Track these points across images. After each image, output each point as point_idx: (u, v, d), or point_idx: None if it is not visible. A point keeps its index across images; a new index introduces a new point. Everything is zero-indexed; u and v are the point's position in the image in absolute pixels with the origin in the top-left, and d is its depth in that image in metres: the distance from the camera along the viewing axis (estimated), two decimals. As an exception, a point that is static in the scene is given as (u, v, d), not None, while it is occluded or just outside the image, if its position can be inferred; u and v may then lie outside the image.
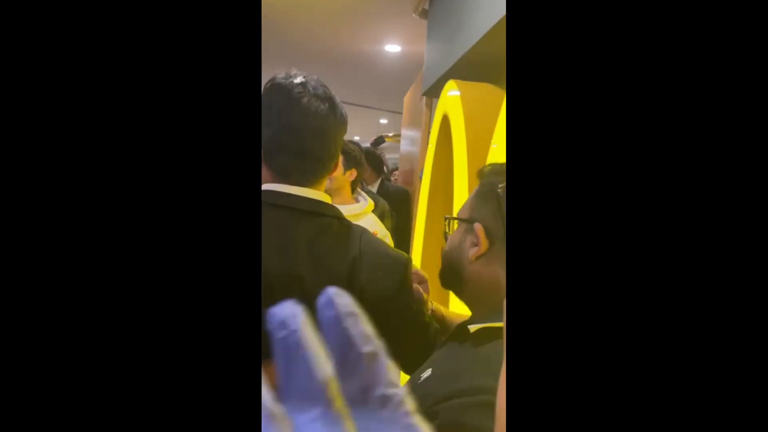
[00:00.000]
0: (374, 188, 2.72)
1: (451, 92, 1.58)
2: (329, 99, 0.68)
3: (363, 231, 0.71)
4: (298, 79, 0.67)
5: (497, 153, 1.13)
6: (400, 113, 3.99)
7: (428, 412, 0.48)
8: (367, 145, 3.35)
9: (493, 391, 0.45)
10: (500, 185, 0.63)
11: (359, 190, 1.75)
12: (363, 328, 0.19)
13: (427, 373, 0.58)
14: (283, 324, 0.20)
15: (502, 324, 0.44)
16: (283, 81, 0.67)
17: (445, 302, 1.30)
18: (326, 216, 0.69)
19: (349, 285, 0.65)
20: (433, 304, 0.83)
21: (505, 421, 0.34)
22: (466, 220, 0.66)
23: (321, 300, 0.20)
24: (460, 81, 1.57)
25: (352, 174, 1.65)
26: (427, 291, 0.80)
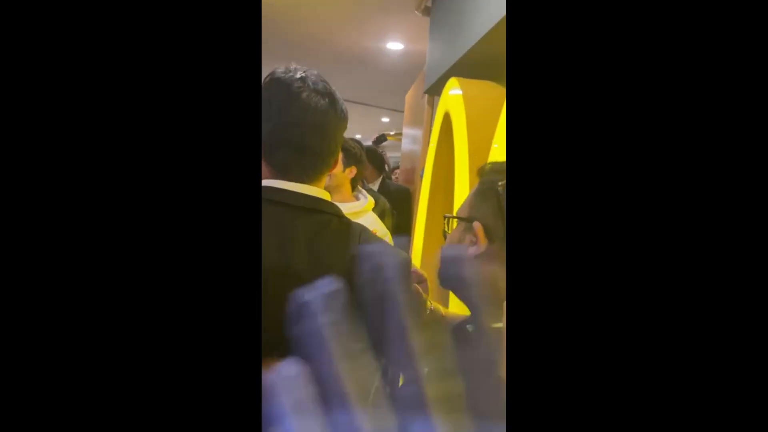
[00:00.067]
0: (375, 186, 2.71)
1: (453, 90, 1.57)
2: (329, 94, 0.67)
3: (363, 229, 0.70)
4: (298, 74, 0.66)
5: (498, 152, 1.12)
6: (402, 111, 3.99)
7: None
8: (368, 143, 3.34)
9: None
10: (500, 183, 0.62)
11: (360, 188, 1.74)
12: None
13: (425, 372, 0.58)
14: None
15: (501, 324, 0.43)
16: (282, 75, 0.66)
17: (445, 302, 1.30)
18: (325, 213, 0.68)
19: (348, 283, 0.64)
20: (432, 304, 0.82)
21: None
22: (466, 219, 0.65)
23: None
24: (462, 78, 1.56)
25: (352, 171, 1.64)
26: (426, 291, 0.80)
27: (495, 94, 1.45)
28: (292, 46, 4.04)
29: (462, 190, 1.34)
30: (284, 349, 0.61)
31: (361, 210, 1.60)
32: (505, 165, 0.65)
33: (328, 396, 0.30)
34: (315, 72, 0.68)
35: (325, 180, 0.72)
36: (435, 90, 2.40)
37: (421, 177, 2.11)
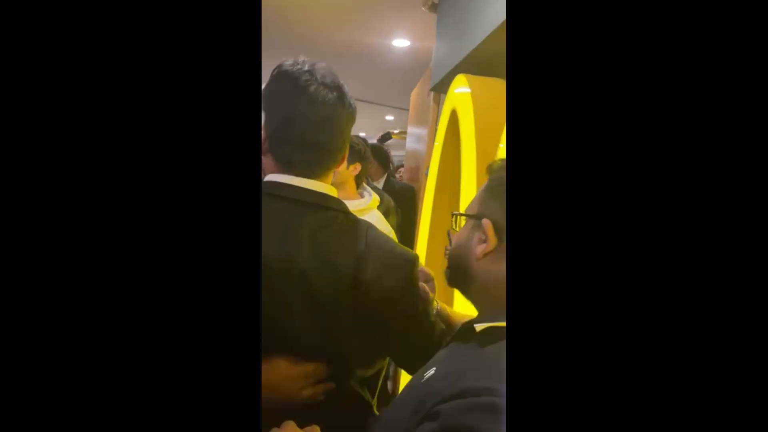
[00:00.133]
0: (380, 184, 2.70)
1: (460, 87, 1.55)
2: (338, 88, 0.65)
3: (369, 226, 0.69)
4: (306, 67, 0.64)
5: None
6: (406, 110, 3.97)
7: (430, 411, 0.46)
8: (372, 141, 3.32)
9: (498, 393, 0.43)
10: None
11: (365, 185, 1.73)
12: None
13: (431, 372, 0.56)
14: None
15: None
16: (290, 68, 0.64)
17: (449, 301, 1.28)
18: (331, 209, 0.66)
19: (354, 281, 0.62)
20: (439, 303, 0.80)
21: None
22: (474, 216, 0.64)
23: None
24: (469, 76, 1.54)
25: (356, 168, 1.62)
26: (433, 290, 0.78)
27: (503, 92, 1.43)
28: (297, 42, 4.02)
29: (468, 189, 1.32)
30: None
31: (366, 207, 1.58)
32: None
33: None
34: (323, 65, 0.66)
35: (332, 176, 0.71)
36: (441, 87, 2.38)
37: (426, 175, 2.09)
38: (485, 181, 0.67)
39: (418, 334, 0.70)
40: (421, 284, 0.73)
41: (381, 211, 1.73)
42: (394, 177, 3.42)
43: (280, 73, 0.65)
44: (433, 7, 2.64)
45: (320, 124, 0.64)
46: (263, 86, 0.66)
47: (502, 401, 0.41)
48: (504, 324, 0.56)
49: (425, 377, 0.56)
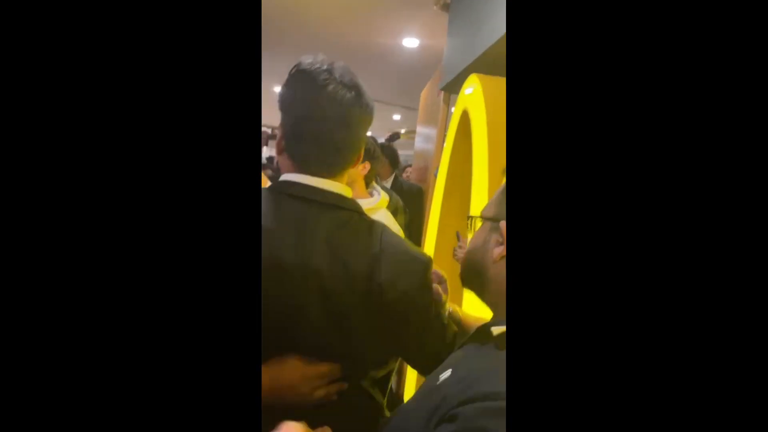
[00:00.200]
0: (388, 184, 2.70)
1: (473, 88, 1.54)
2: (355, 87, 0.65)
3: (384, 227, 0.68)
4: (325, 66, 0.63)
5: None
6: (414, 109, 3.96)
7: (447, 414, 0.46)
8: (381, 140, 3.32)
9: None
10: None
11: (374, 184, 1.72)
12: None
13: (447, 374, 0.56)
14: None
15: None
16: (308, 67, 0.63)
17: (459, 302, 1.27)
18: (346, 210, 0.66)
19: (368, 282, 0.62)
20: (451, 305, 0.80)
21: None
22: (492, 218, 0.63)
23: None
24: (482, 75, 1.53)
25: (366, 167, 1.62)
26: (446, 291, 0.78)
27: (516, 93, 1.42)
28: (306, 39, 4.02)
29: (480, 190, 1.31)
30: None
31: (375, 206, 1.57)
32: None
33: None
34: (342, 64, 0.65)
35: (346, 176, 0.70)
36: (452, 87, 2.37)
37: (435, 176, 2.09)
38: (498, 182, 0.67)
39: (431, 335, 0.69)
40: (435, 286, 0.72)
41: (390, 210, 1.72)
42: (402, 176, 3.41)
43: (298, 72, 0.64)
44: (445, 7, 2.63)
45: (337, 124, 0.63)
46: (281, 86, 0.66)
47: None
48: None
49: (440, 380, 0.55)
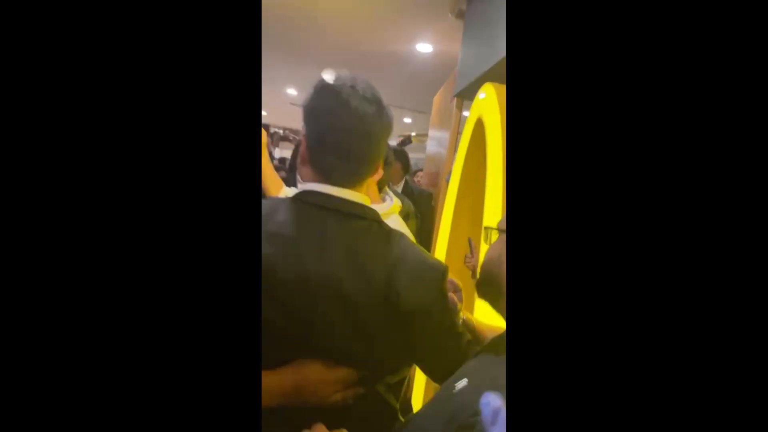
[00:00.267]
0: (399, 188, 2.71)
1: (487, 95, 1.55)
2: (377, 102, 0.67)
3: (402, 236, 0.70)
4: (348, 82, 0.66)
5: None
6: (424, 112, 3.96)
7: (464, 423, 0.47)
8: (393, 144, 3.33)
9: None
10: None
11: (386, 189, 1.74)
12: None
13: (462, 383, 0.57)
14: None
15: None
16: (332, 82, 0.66)
17: (470, 309, 1.28)
18: (367, 219, 0.68)
19: (387, 291, 0.63)
20: (465, 314, 0.81)
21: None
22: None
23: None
24: (497, 84, 1.54)
25: (379, 172, 1.63)
26: (461, 299, 0.79)
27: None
28: (320, 40, 4.05)
29: (494, 200, 1.32)
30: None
31: (388, 212, 1.59)
32: None
33: None
34: (364, 80, 0.67)
35: (366, 185, 0.72)
36: (466, 94, 2.38)
37: (447, 181, 2.10)
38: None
39: (447, 343, 0.71)
40: (450, 294, 0.74)
41: (401, 216, 1.74)
42: (413, 181, 3.43)
43: (322, 87, 0.66)
44: (461, 14, 2.65)
45: (360, 137, 0.66)
46: (306, 99, 0.68)
47: None
48: None
49: (457, 388, 0.57)
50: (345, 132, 0.65)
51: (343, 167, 0.67)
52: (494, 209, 1.29)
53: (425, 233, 2.55)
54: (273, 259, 0.62)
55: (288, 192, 1.72)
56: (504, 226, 0.66)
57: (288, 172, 2.99)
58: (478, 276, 0.68)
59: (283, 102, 7.25)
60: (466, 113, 2.19)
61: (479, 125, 1.63)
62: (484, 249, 0.71)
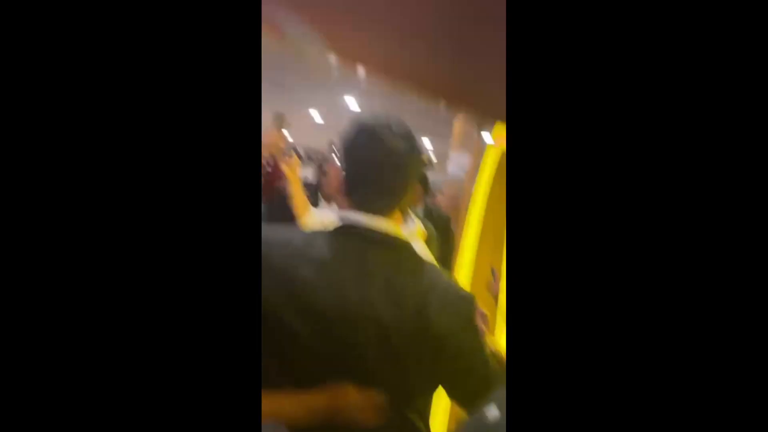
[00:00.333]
0: (419, 210, 2.73)
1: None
2: (410, 138, 0.72)
3: (432, 265, 0.73)
4: (383, 120, 0.71)
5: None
6: (444, 136, 4.00)
7: None
8: None
9: None
10: None
11: (409, 211, 1.76)
12: None
13: (494, 411, 0.59)
14: None
15: None
16: (369, 121, 0.71)
17: (493, 334, 1.29)
18: (400, 249, 0.71)
19: (419, 318, 0.66)
20: (492, 342, 0.83)
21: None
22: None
23: None
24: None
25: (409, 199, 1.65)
26: (487, 326, 0.81)
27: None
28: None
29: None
30: None
31: (411, 235, 1.62)
32: None
33: None
34: (398, 117, 0.73)
35: (397, 212, 0.76)
36: (488, 121, 2.41)
37: (468, 209, 2.12)
38: None
39: (475, 371, 0.73)
40: (477, 322, 0.76)
41: (423, 239, 1.76)
42: (432, 203, 3.45)
43: (359, 125, 0.72)
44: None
45: (394, 170, 0.71)
46: (344, 136, 0.73)
47: None
48: None
49: (488, 417, 0.58)
50: (380, 167, 0.70)
51: (378, 198, 0.71)
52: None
53: (444, 258, 2.55)
54: (314, 283, 0.65)
55: (314, 212, 1.76)
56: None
57: (310, 191, 3.04)
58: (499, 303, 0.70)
59: (306, 123, 7.45)
60: (486, 136, 2.22)
61: (503, 155, 1.65)
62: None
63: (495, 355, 0.81)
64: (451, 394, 0.76)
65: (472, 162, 2.71)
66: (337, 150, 0.79)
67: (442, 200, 3.82)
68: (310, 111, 7.03)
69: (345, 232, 0.71)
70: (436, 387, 0.76)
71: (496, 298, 1.36)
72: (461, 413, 0.69)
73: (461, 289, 0.74)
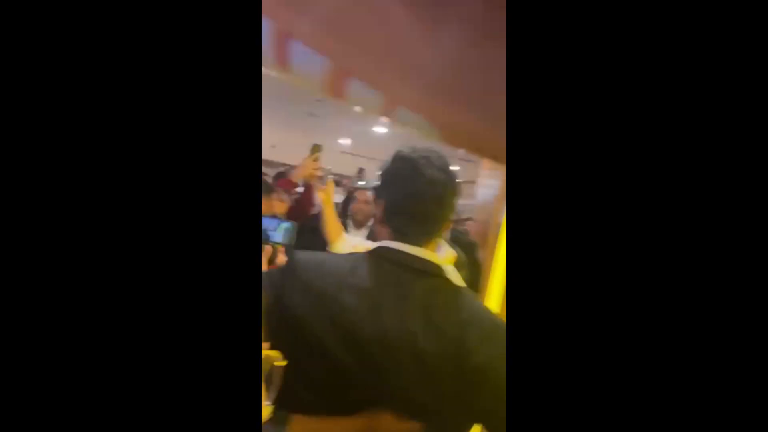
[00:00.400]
0: (447, 235, 2.73)
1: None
2: (448, 170, 0.74)
3: (469, 293, 0.74)
4: (423, 153, 0.73)
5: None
6: (472, 161, 3.99)
7: None
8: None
9: None
10: None
11: (442, 239, 1.77)
12: None
13: None
14: None
15: None
16: (409, 154, 0.74)
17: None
18: (438, 277, 0.73)
19: (457, 347, 0.67)
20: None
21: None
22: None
23: None
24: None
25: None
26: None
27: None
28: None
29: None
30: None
31: (443, 261, 1.62)
32: None
33: None
34: (436, 150, 0.76)
35: (435, 240, 0.78)
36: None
37: (497, 234, 2.10)
38: None
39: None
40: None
41: (454, 265, 1.76)
42: (461, 228, 3.43)
43: (399, 158, 0.76)
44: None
45: (433, 201, 0.74)
46: (383, 167, 0.76)
47: None
48: None
49: None
50: (419, 198, 0.73)
51: (417, 228, 0.73)
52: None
53: (472, 283, 2.53)
54: (354, 309, 0.67)
55: (347, 237, 1.79)
56: None
57: (341, 216, 3.08)
58: None
59: (335, 151, 7.67)
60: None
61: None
62: None
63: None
64: (487, 425, 0.76)
65: (501, 187, 2.70)
66: (373, 178, 0.83)
67: (470, 225, 3.80)
68: (341, 141, 7.25)
69: (382, 256, 0.73)
70: (471, 417, 0.76)
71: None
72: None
73: (496, 316, 0.75)
